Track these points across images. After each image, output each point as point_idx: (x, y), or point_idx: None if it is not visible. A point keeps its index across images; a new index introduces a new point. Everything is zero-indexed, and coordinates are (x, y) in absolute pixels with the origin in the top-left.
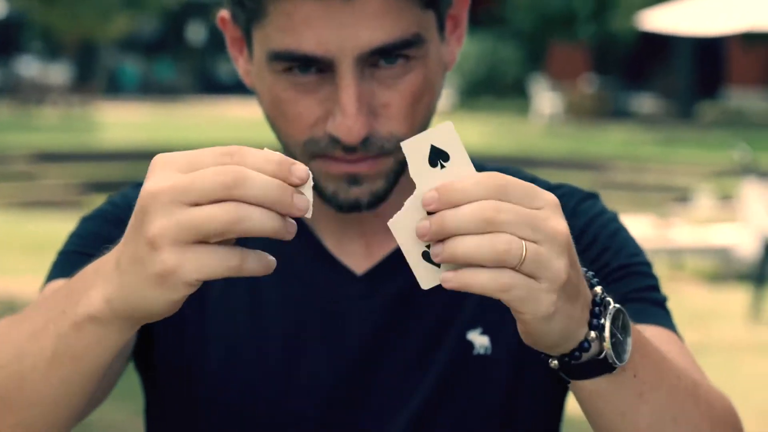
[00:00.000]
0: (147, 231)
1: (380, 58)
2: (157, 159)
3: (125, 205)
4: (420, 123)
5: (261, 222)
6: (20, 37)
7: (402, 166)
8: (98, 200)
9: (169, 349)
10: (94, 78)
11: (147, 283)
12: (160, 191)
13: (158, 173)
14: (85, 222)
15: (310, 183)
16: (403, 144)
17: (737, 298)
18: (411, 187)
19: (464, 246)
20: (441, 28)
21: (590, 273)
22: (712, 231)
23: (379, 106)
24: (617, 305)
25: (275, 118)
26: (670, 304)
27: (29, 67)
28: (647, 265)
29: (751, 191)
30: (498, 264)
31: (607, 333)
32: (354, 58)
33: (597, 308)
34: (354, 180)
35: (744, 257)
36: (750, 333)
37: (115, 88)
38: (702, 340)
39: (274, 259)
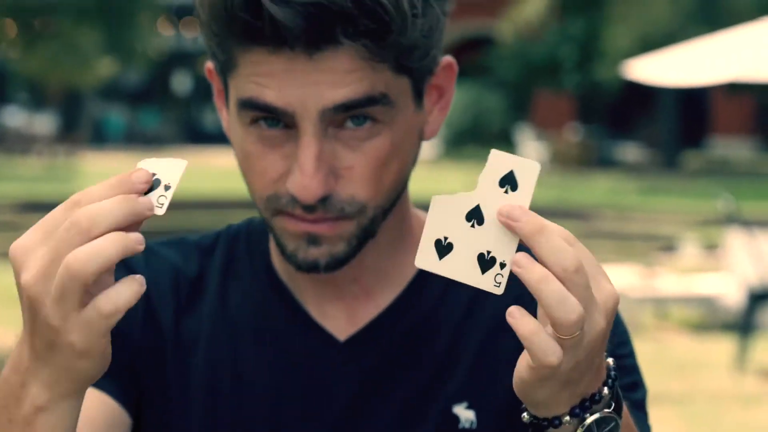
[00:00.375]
0: (45, 318)
1: (347, 118)
2: (14, 250)
3: None
4: (387, 189)
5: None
6: (5, 87)
7: (365, 232)
8: None
9: (154, 426)
10: (79, 128)
11: (72, 358)
12: (31, 280)
13: (25, 262)
14: None
15: (169, 192)
16: (493, 151)
17: (722, 347)
18: (379, 252)
19: (549, 291)
20: (418, 96)
21: (614, 371)
22: (697, 280)
23: (342, 168)
24: (614, 414)
25: (245, 171)
26: (656, 354)
27: (14, 117)
28: (632, 355)
29: (735, 241)
30: (556, 327)
31: (585, 425)
32: (316, 116)
33: (588, 402)
34: (313, 240)
35: (729, 306)
36: (735, 383)
37: (100, 137)
38: (687, 390)
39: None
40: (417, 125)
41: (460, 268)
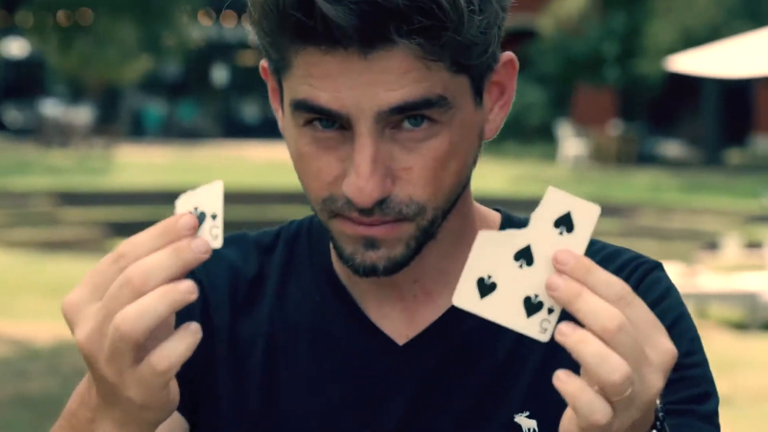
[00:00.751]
0: (101, 373)
1: (403, 119)
2: (66, 307)
3: None
4: (447, 190)
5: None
6: (44, 79)
7: (424, 234)
8: (119, 242)
9: (208, 426)
10: (117, 120)
11: (133, 410)
12: (83, 338)
13: (78, 319)
14: None
15: (218, 220)
16: (551, 187)
17: (764, 346)
18: (440, 252)
19: (588, 352)
20: (477, 94)
21: (661, 411)
22: (739, 278)
23: (400, 169)
24: None
25: (299, 172)
26: None
27: (53, 108)
28: (702, 364)
29: None
30: (601, 387)
31: None
32: (372, 117)
33: None
34: (371, 244)
35: None
36: None
37: (138, 129)
38: (728, 389)
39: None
40: (477, 124)
41: (503, 310)
